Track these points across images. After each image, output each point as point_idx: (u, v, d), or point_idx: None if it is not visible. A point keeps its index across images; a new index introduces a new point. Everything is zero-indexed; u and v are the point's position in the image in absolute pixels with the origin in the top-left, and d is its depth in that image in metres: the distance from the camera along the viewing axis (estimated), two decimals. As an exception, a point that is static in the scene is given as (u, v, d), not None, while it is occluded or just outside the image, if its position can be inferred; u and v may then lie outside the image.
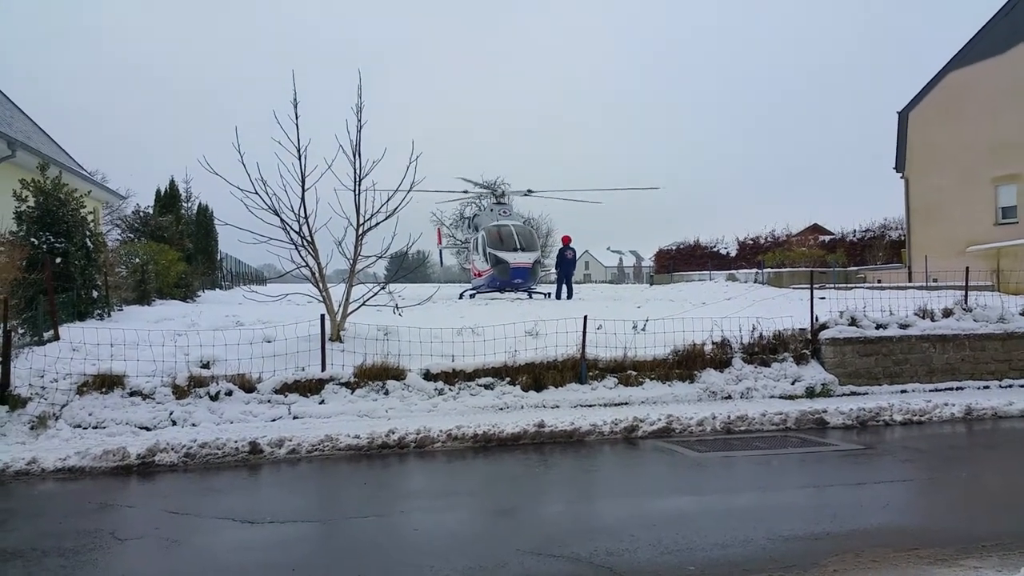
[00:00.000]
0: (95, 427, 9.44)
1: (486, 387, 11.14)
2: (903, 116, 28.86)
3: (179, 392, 10.21)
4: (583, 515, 6.68)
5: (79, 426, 9.41)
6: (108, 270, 14.82)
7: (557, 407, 10.85)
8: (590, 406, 10.95)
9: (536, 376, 11.37)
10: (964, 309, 13.96)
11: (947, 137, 26.83)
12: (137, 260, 17.48)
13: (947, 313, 13.81)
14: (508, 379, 11.31)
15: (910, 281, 25.58)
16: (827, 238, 39.18)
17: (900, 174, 29.29)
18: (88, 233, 13.90)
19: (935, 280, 22.36)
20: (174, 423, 9.68)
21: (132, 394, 10.09)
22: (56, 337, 11.34)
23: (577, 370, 11.57)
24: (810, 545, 5.39)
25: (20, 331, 11.24)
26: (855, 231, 37.87)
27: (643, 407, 10.86)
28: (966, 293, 14.92)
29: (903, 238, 30.96)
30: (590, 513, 6.79)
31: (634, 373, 11.76)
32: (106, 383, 10.09)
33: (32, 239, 12.70)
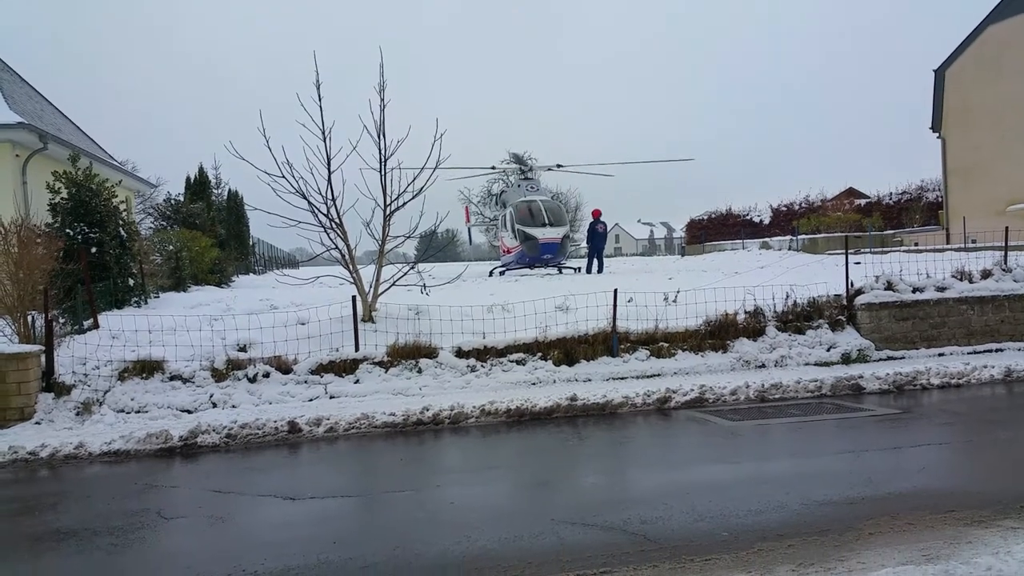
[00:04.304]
0: (138, 411, 9.67)
1: (518, 363, 11.19)
2: (939, 74, 28.16)
3: (218, 375, 10.41)
4: (617, 485, 6.73)
5: (122, 411, 9.65)
6: (143, 258, 15.10)
7: (589, 380, 10.87)
8: (622, 379, 10.96)
9: (567, 350, 11.39)
10: (1004, 270, 13.68)
11: (986, 94, 26.13)
12: (171, 247, 17.79)
13: (986, 274, 13.55)
14: (540, 354, 11.35)
15: (948, 243, 25.09)
16: (863, 202, 38.50)
17: (937, 134, 28.65)
18: (121, 222, 14.18)
19: (974, 241, 21.92)
20: (214, 405, 9.87)
21: (172, 378, 10.31)
22: (96, 325, 11.61)
23: (608, 343, 11.56)
24: (845, 510, 5.37)
25: (61, 320, 11.52)
26: (891, 194, 37.17)
27: (675, 378, 10.84)
28: (1005, 253, 14.60)
29: (940, 199, 30.33)
30: (624, 483, 6.84)
31: (666, 345, 11.72)
32: (146, 368, 10.33)
33: (67, 230, 12.97)
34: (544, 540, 5.01)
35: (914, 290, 12.90)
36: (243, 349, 11.14)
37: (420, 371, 10.87)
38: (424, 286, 13.14)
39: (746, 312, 12.41)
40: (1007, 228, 15.33)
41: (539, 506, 5.98)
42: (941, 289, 12.98)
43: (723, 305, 12.42)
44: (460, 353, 11.25)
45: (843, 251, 14.19)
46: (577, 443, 8.21)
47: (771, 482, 6.20)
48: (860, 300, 12.63)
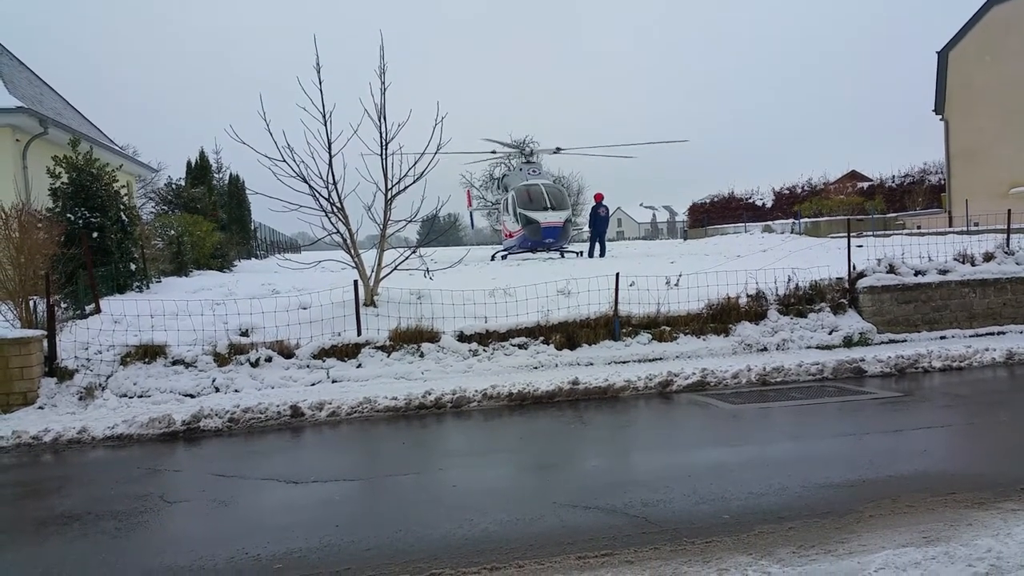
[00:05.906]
0: (140, 396, 9.70)
1: (520, 347, 11.20)
2: (943, 56, 27.94)
3: (220, 360, 10.43)
4: (618, 468, 6.75)
5: (125, 395, 9.68)
6: (144, 243, 15.08)
7: (591, 364, 10.88)
8: (624, 362, 10.97)
9: (569, 334, 11.39)
10: (1006, 252, 13.64)
11: (989, 76, 25.95)
12: (172, 232, 17.75)
13: (988, 257, 13.51)
14: (541, 338, 11.35)
15: (950, 226, 25.03)
16: (865, 185, 38.39)
17: (940, 116, 28.46)
18: (122, 207, 14.13)
19: (976, 224, 21.82)
20: (217, 390, 9.90)
21: (175, 363, 10.33)
22: (97, 310, 11.62)
23: (610, 327, 11.57)
24: (846, 492, 5.38)
25: (62, 305, 11.54)
26: (893, 177, 37.01)
27: (677, 362, 10.85)
28: (1008, 236, 14.55)
29: (943, 182, 30.21)
30: (625, 466, 6.86)
31: (668, 328, 11.72)
32: (149, 353, 10.35)
33: (68, 215, 12.93)
34: (546, 523, 5.03)
35: (916, 273, 12.88)
36: (245, 334, 11.15)
37: (422, 355, 10.89)
38: (427, 270, 13.13)
39: (748, 296, 12.39)
40: (1009, 211, 15.25)
41: (541, 489, 6.00)
42: (943, 272, 12.96)
43: (725, 289, 12.41)
44: (462, 337, 11.25)
45: (845, 234, 14.15)
46: (579, 427, 8.23)
47: (772, 465, 6.22)
48: (862, 283, 12.61)
